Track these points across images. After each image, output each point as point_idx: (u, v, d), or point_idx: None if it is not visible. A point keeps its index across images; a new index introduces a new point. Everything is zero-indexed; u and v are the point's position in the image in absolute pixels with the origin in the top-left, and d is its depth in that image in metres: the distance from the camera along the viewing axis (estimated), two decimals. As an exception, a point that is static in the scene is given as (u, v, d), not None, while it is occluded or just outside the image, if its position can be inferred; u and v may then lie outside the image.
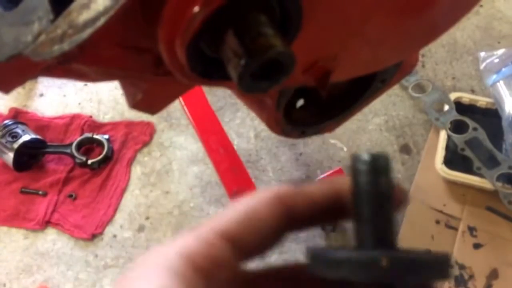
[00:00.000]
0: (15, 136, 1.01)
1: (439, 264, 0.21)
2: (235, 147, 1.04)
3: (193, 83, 0.29)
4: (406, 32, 0.40)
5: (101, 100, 1.18)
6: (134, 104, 0.31)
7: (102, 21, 0.20)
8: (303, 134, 0.59)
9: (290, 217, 0.22)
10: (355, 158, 0.22)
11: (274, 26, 0.25)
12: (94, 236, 0.98)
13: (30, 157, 1.06)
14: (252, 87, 0.25)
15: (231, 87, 0.37)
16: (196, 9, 0.23)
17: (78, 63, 0.22)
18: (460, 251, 0.91)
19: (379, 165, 0.21)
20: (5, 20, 0.22)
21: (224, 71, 0.26)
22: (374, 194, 0.21)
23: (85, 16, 0.20)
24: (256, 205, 0.21)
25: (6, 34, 0.22)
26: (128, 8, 0.21)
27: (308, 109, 0.60)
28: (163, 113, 1.15)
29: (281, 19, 0.27)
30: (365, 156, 0.21)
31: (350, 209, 0.22)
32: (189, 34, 0.23)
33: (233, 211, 0.21)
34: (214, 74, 0.27)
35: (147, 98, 0.31)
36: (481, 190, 0.95)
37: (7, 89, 0.24)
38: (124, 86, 0.32)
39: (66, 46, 0.20)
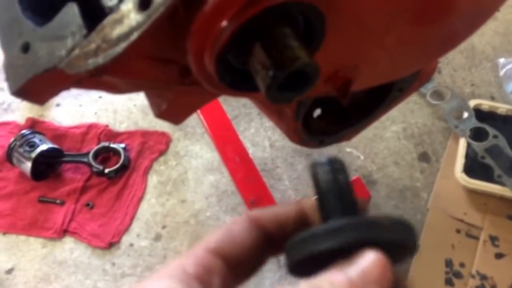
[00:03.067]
0: (33, 146, 1.03)
1: (402, 228, 0.23)
2: (250, 156, 1.04)
3: (220, 93, 0.29)
4: (425, 41, 0.40)
5: (116, 110, 1.20)
6: (160, 113, 0.32)
7: (135, 35, 0.20)
8: (321, 143, 0.58)
9: (263, 232, 0.26)
10: (314, 163, 0.25)
11: (298, 38, 0.25)
12: (111, 245, 0.98)
13: (47, 166, 1.07)
14: (279, 97, 0.26)
15: (255, 97, 0.37)
16: (224, 23, 0.23)
17: (110, 75, 0.23)
18: (481, 261, 0.89)
19: (336, 164, 0.24)
20: (38, 35, 0.23)
21: (250, 82, 0.26)
22: (336, 189, 0.24)
23: (119, 31, 0.20)
24: (231, 224, 0.26)
25: (40, 48, 0.22)
26: (159, 22, 0.21)
27: (325, 119, 0.60)
28: (179, 122, 1.15)
29: (305, 30, 0.27)
30: (323, 159, 0.24)
31: (316, 219, 0.24)
32: (218, 47, 0.23)
33: (215, 232, 0.26)
34: (241, 85, 0.27)
35: (172, 108, 0.31)
36: (502, 199, 0.93)
37: (41, 100, 0.25)
38: (150, 97, 0.32)
39: (101, 59, 0.20)
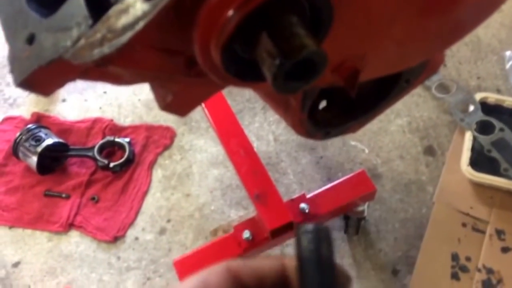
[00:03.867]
0: (39, 140, 1.03)
1: None
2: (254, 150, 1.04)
3: (225, 84, 0.29)
4: (432, 30, 0.40)
5: (121, 104, 1.20)
6: (165, 106, 0.31)
7: (140, 25, 0.20)
8: (327, 135, 0.58)
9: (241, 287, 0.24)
10: (299, 228, 0.24)
11: (305, 27, 0.25)
12: (116, 239, 0.99)
13: (53, 160, 1.07)
14: (285, 87, 0.25)
15: (261, 88, 0.37)
16: (230, 12, 0.23)
17: (115, 65, 0.23)
18: (487, 255, 0.89)
19: (321, 234, 0.23)
20: (43, 26, 0.23)
21: (256, 72, 0.26)
22: (317, 259, 0.23)
23: (124, 20, 0.20)
24: (208, 275, 0.24)
25: (45, 40, 0.22)
26: (165, 12, 0.21)
27: (331, 111, 0.59)
28: (183, 116, 1.16)
29: (311, 19, 0.27)
30: (309, 226, 0.24)
31: (296, 277, 0.23)
32: (224, 36, 0.23)
33: (189, 281, 0.24)
34: (247, 75, 0.27)
35: (177, 100, 0.31)
36: (509, 192, 0.93)
37: (47, 91, 0.25)
38: (155, 89, 0.32)
39: (106, 49, 0.20)
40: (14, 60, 0.24)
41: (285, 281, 0.25)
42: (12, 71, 0.24)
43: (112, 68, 0.23)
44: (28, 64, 0.22)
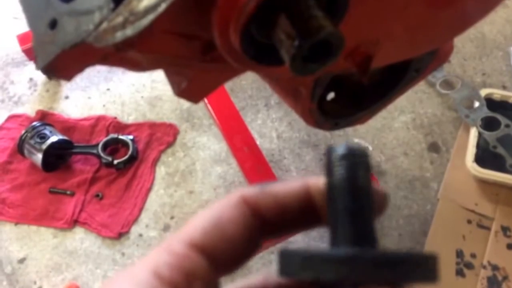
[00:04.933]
0: (43, 137, 1.03)
1: (424, 264, 0.18)
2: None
3: (242, 68, 0.29)
4: (443, 17, 0.40)
5: (124, 102, 1.20)
6: (180, 92, 0.32)
7: (163, 7, 0.20)
8: (336, 125, 0.58)
9: (260, 220, 0.21)
10: (330, 151, 0.20)
11: (322, 9, 0.25)
12: (120, 235, 0.99)
13: (57, 158, 1.08)
14: (303, 68, 0.25)
15: (276, 73, 0.37)
16: None
17: (135, 50, 0.23)
18: (493, 251, 0.89)
19: (357, 159, 0.20)
20: (65, 11, 0.23)
21: (272, 55, 0.26)
22: (351, 189, 0.19)
23: (146, 2, 0.20)
24: (221, 209, 0.20)
25: (68, 24, 0.22)
26: None
27: (340, 101, 0.59)
28: (185, 113, 1.16)
29: (327, 3, 0.27)
30: (342, 149, 0.20)
31: (325, 208, 0.20)
32: (243, 18, 0.23)
33: (199, 218, 0.20)
34: (264, 58, 0.27)
35: (192, 86, 0.31)
36: (514, 189, 0.92)
37: (69, 76, 0.25)
38: (170, 75, 0.32)
39: (129, 31, 0.20)
40: (37, 45, 0.24)
41: (311, 209, 0.21)
42: (35, 55, 0.24)
43: (131, 53, 0.23)
44: (51, 49, 0.22)
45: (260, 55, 0.27)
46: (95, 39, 0.21)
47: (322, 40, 0.24)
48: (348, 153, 0.19)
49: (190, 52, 0.27)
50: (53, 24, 0.23)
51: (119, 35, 0.20)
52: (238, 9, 0.23)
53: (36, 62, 0.24)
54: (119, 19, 0.21)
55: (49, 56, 0.23)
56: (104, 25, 0.21)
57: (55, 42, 0.22)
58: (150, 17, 0.20)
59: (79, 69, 0.24)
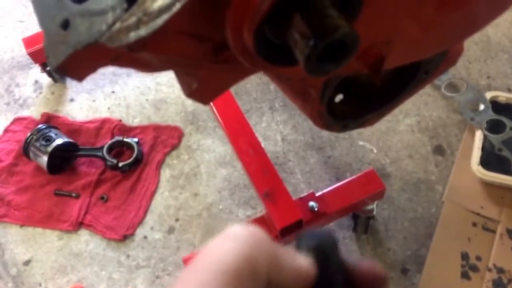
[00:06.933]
0: (49, 140, 1.04)
1: None
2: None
3: (254, 69, 0.29)
4: (454, 18, 0.40)
5: (129, 104, 1.20)
6: (190, 93, 0.32)
7: (177, 6, 0.20)
8: (345, 127, 0.58)
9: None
10: (301, 241, 0.22)
11: (337, 8, 0.25)
12: (125, 237, 0.99)
13: (63, 160, 1.08)
14: (317, 68, 0.25)
15: (288, 73, 0.37)
16: None
17: (147, 51, 0.23)
18: (498, 254, 0.88)
19: (326, 250, 0.21)
20: (77, 11, 0.23)
21: (285, 56, 0.26)
22: (323, 277, 0.21)
23: (160, 2, 0.20)
24: (256, 257, 0.21)
25: (80, 24, 0.22)
26: None
27: (349, 103, 0.59)
28: (190, 116, 1.16)
29: (342, 2, 0.27)
30: (311, 242, 0.21)
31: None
32: (257, 18, 0.23)
33: (232, 258, 0.20)
34: (276, 59, 0.27)
35: (202, 87, 0.31)
36: (520, 192, 0.92)
37: (81, 76, 0.25)
38: (180, 76, 0.32)
39: (143, 32, 0.20)
40: (49, 45, 0.24)
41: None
42: (48, 55, 0.24)
43: (143, 54, 0.23)
44: (64, 49, 0.23)
45: (273, 55, 0.27)
46: (108, 39, 0.21)
47: (338, 40, 0.24)
48: (315, 246, 0.21)
49: (201, 52, 0.27)
50: (65, 25, 0.23)
51: (133, 36, 0.21)
52: (252, 9, 0.23)
53: (47, 61, 0.24)
54: (133, 19, 0.21)
55: (61, 56, 0.23)
56: (118, 25, 0.21)
57: (68, 42, 0.22)
58: (164, 17, 0.20)
59: (92, 69, 0.25)
